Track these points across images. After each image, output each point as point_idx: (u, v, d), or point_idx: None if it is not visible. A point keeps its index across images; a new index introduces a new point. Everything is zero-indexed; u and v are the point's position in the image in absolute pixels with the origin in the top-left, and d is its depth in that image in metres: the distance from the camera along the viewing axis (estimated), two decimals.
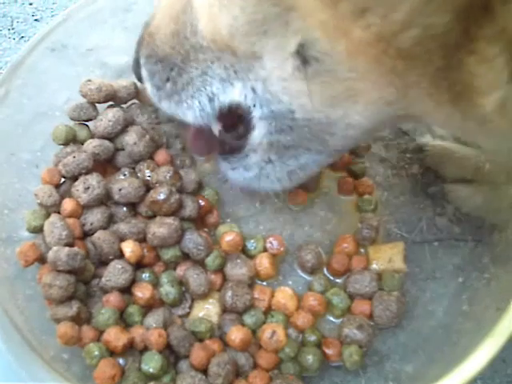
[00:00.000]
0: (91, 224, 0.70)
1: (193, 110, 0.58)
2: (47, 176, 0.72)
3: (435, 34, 0.37)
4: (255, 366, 0.65)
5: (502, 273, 0.65)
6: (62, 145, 0.75)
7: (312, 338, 0.66)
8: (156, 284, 0.69)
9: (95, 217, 0.70)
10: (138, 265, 0.70)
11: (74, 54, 0.84)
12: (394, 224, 0.76)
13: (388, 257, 0.72)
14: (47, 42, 0.82)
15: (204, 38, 0.53)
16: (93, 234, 0.70)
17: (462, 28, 0.37)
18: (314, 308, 0.68)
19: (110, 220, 0.72)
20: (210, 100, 0.57)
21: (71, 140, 0.75)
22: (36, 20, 1.07)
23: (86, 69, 0.84)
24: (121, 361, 0.63)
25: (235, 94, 0.54)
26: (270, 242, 0.72)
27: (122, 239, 0.69)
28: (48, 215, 0.70)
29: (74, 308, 0.64)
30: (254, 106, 0.54)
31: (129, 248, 0.68)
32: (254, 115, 0.54)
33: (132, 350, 0.64)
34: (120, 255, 0.69)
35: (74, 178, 0.72)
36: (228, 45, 0.51)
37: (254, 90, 0.52)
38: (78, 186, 0.70)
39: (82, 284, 0.67)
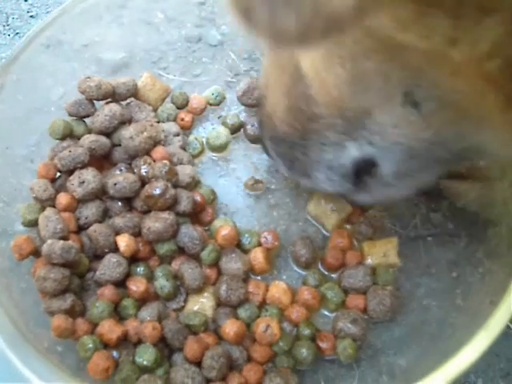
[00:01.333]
0: (86, 218, 0.70)
1: (325, 182, 0.60)
2: (43, 170, 0.73)
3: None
4: (249, 359, 0.65)
5: (496, 267, 0.65)
6: (59, 139, 0.75)
7: (306, 331, 0.66)
8: (151, 278, 0.69)
9: (90, 211, 0.70)
10: (133, 258, 0.70)
11: (69, 50, 0.84)
12: (388, 219, 0.76)
13: (382, 252, 0.72)
14: (42, 37, 0.81)
15: (318, 104, 0.53)
16: (88, 228, 0.70)
17: None
18: (309, 302, 0.68)
19: (105, 214, 0.72)
20: (332, 167, 0.58)
21: (68, 135, 0.76)
22: (31, 16, 1.07)
23: (81, 65, 0.84)
24: (115, 353, 0.63)
25: (354, 152, 0.55)
26: (265, 237, 0.72)
27: (117, 233, 0.70)
28: (43, 209, 0.70)
29: (68, 301, 0.64)
30: (375, 154, 0.54)
31: (123, 242, 0.68)
32: (377, 160, 0.55)
33: (126, 342, 0.64)
34: (115, 249, 0.69)
35: (70, 173, 0.72)
36: (339, 106, 0.51)
37: (371, 143, 0.53)
38: (73, 180, 0.70)
39: (76, 277, 0.67)
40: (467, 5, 0.36)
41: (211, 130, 0.83)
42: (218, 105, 0.85)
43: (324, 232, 0.75)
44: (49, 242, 0.64)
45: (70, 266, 0.65)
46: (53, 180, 0.73)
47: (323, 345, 0.66)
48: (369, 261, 0.72)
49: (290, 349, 0.65)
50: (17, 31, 1.06)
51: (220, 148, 0.82)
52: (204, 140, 0.83)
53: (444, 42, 0.39)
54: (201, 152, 0.82)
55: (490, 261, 0.67)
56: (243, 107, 0.85)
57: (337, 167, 0.58)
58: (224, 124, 0.83)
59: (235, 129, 0.83)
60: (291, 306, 0.68)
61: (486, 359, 0.71)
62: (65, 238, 0.66)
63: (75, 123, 0.77)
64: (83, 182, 0.70)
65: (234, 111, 0.85)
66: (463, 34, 0.38)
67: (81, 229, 0.70)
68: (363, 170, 0.58)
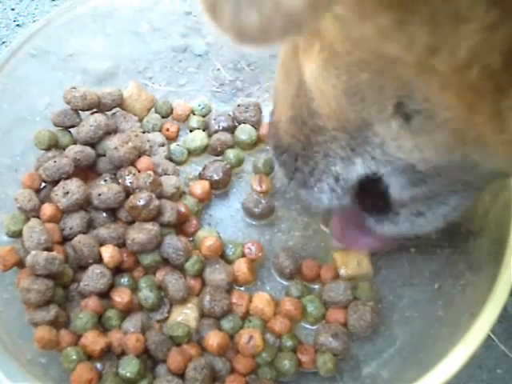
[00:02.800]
0: (70, 229, 0.70)
1: (324, 193, 0.59)
2: (28, 180, 0.73)
3: (491, 74, 0.39)
4: (232, 370, 0.65)
5: (477, 279, 0.66)
6: (44, 150, 0.76)
7: (289, 343, 0.67)
8: (135, 289, 0.69)
9: (74, 221, 0.70)
10: (117, 269, 0.70)
11: (55, 60, 0.84)
12: None
13: (356, 261, 0.72)
14: (28, 47, 0.81)
15: (320, 116, 0.53)
16: (72, 238, 0.70)
17: (508, 72, 0.38)
18: (291, 313, 0.68)
19: (90, 225, 0.72)
20: (337, 180, 0.57)
21: (53, 145, 0.76)
22: (18, 25, 1.07)
23: (66, 74, 0.84)
24: (98, 365, 0.63)
25: (359, 168, 0.54)
26: (249, 248, 0.73)
27: (101, 244, 0.70)
28: (27, 220, 0.70)
29: (51, 312, 0.64)
30: (379, 170, 0.53)
31: (107, 253, 0.68)
32: (383, 177, 0.54)
33: (110, 354, 0.64)
34: (99, 260, 0.69)
35: (55, 183, 0.72)
36: (339, 118, 0.51)
37: (374, 158, 0.52)
38: (58, 190, 0.70)
39: (60, 288, 0.67)
40: (442, 13, 0.36)
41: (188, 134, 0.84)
42: (204, 116, 0.85)
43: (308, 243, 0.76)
44: (33, 252, 0.64)
45: (54, 277, 0.65)
46: (37, 190, 0.73)
47: (303, 358, 0.66)
48: (342, 271, 0.72)
49: (272, 360, 0.65)
50: (3, 40, 1.06)
51: (196, 150, 0.82)
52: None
53: (425, 51, 0.39)
54: (185, 161, 0.82)
55: (471, 273, 0.68)
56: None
57: (341, 180, 0.57)
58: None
59: None
60: (274, 317, 0.68)
61: (467, 370, 0.72)
62: (49, 249, 0.66)
63: (60, 133, 0.77)
64: (67, 193, 0.70)
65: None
66: (442, 42, 0.38)
67: (65, 240, 0.70)
68: (370, 189, 0.57)
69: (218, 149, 0.81)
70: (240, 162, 0.81)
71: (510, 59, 0.37)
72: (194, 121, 0.84)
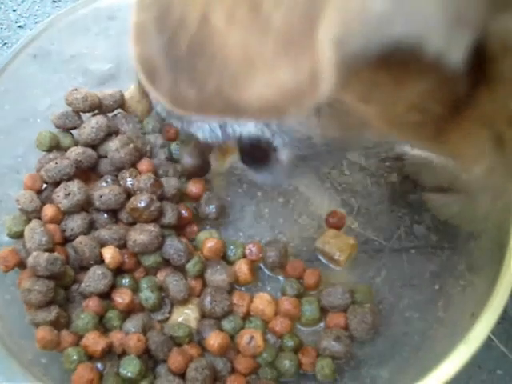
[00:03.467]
0: (71, 230, 0.70)
1: (203, 131, 0.58)
2: (29, 181, 0.73)
3: (432, 117, 0.40)
4: (233, 370, 0.66)
5: (477, 280, 0.66)
6: (46, 151, 0.76)
7: (290, 343, 0.67)
8: (136, 289, 0.70)
9: (75, 223, 0.71)
10: (118, 270, 0.70)
11: (57, 61, 0.84)
12: (371, 231, 0.76)
13: (344, 242, 0.74)
14: (30, 48, 0.82)
15: None
16: (73, 239, 0.70)
17: (449, 114, 0.39)
18: (290, 312, 0.69)
19: (91, 226, 0.73)
20: (223, 125, 0.56)
21: (55, 147, 0.76)
22: (19, 27, 1.08)
23: (68, 76, 0.85)
24: (99, 365, 0.64)
25: (251, 128, 0.54)
26: (250, 249, 0.73)
27: (102, 245, 0.70)
28: (29, 221, 0.70)
29: (53, 313, 0.64)
30: (273, 136, 0.53)
31: (109, 254, 0.68)
32: (275, 143, 0.55)
33: (111, 354, 0.65)
34: (100, 261, 0.69)
35: (56, 184, 0.72)
36: None
37: (269, 127, 0.53)
38: (59, 192, 0.70)
39: (61, 289, 0.67)
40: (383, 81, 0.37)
41: None
42: None
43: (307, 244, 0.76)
44: (34, 254, 0.64)
45: (55, 277, 0.65)
46: (39, 192, 0.73)
47: (303, 359, 0.66)
48: (338, 257, 0.73)
49: (273, 360, 0.66)
50: (4, 41, 1.06)
51: None
52: None
53: (358, 99, 0.40)
54: None
55: (471, 273, 0.68)
56: None
57: (228, 127, 0.56)
58: None
59: None
60: (275, 317, 0.69)
61: (467, 371, 0.72)
62: (50, 250, 0.66)
63: (62, 135, 0.77)
64: (69, 194, 0.70)
65: None
66: (379, 97, 0.38)
67: (66, 241, 0.71)
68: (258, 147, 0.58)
69: None
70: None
71: (449, 108, 0.38)
72: None
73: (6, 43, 1.06)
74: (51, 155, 0.75)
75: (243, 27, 0.30)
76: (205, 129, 0.58)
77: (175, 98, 0.31)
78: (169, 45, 0.32)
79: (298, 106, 0.30)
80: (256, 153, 0.60)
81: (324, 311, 0.70)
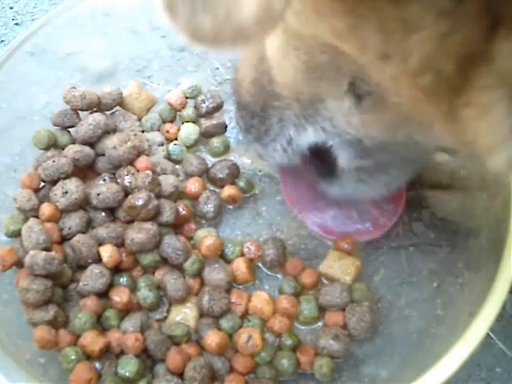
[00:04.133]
0: (69, 228, 0.70)
1: (276, 152, 0.65)
2: (27, 180, 0.73)
3: (445, 78, 0.39)
4: (231, 370, 0.65)
5: (475, 278, 0.66)
6: (43, 149, 0.76)
7: (288, 342, 0.67)
8: (133, 288, 0.69)
9: (73, 221, 0.70)
10: (116, 269, 0.70)
11: (54, 59, 0.84)
12: None
13: (347, 262, 0.73)
14: (27, 46, 0.81)
15: (277, 84, 0.57)
16: (71, 238, 0.70)
17: (463, 76, 0.39)
18: (288, 310, 0.69)
19: (89, 225, 0.72)
20: (289, 143, 0.62)
21: (52, 145, 0.76)
22: (16, 24, 1.07)
23: (65, 73, 0.84)
24: (97, 365, 0.64)
25: (310, 136, 0.59)
26: (248, 247, 0.73)
27: (100, 244, 0.70)
28: (26, 219, 0.70)
29: (50, 312, 0.64)
30: (328, 140, 0.58)
31: (106, 252, 0.68)
32: (332, 147, 0.59)
33: (108, 354, 0.64)
34: (98, 259, 0.69)
35: (53, 183, 0.72)
36: (294, 90, 0.55)
37: (323, 129, 0.57)
38: (57, 190, 0.70)
39: (59, 288, 0.67)
40: (393, 21, 0.37)
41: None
42: (194, 98, 0.85)
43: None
44: (31, 252, 0.64)
45: (53, 276, 0.65)
46: (36, 190, 0.73)
47: (302, 358, 0.66)
48: (345, 279, 0.72)
49: (271, 359, 0.65)
50: (1, 39, 1.05)
51: (192, 145, 0.82)
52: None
53: (377, 57, 0.41)
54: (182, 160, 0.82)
55: (469, 271, 0.68)
56: None
57: (293, 143, 0.62)
58: None
59: None
60: (273, 316, 0.68)
61: (466, 369, 0.71)
62: (48, 249, 0.66)
63: (59, 133, 0.77)
64: (66, 193, 0.70)
65: None
66: (393, 49, 0.39)
67: (64, 239, 0.70)
68: (322, 157, 0.62)
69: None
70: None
71: (462, 65, 0.38)
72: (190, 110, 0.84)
73: (2, 41, 1.05)
74: (49, 153, 0.75)
75: None
76: (277, 150, 0.64)
77: (193, 30, 0.33)
78: None
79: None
80: (323, 163, 0.63)
81: (322, 310, 0.70)
